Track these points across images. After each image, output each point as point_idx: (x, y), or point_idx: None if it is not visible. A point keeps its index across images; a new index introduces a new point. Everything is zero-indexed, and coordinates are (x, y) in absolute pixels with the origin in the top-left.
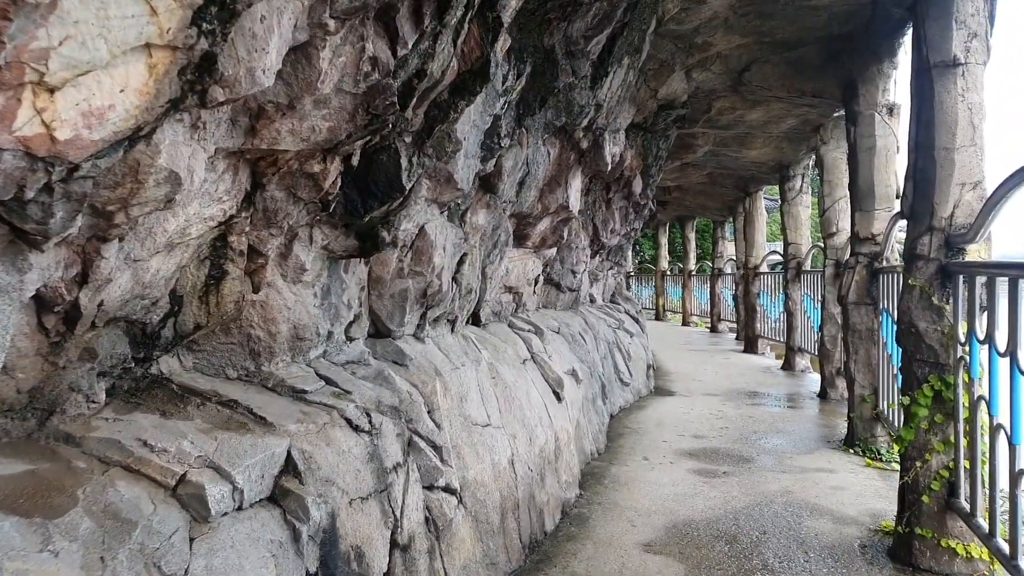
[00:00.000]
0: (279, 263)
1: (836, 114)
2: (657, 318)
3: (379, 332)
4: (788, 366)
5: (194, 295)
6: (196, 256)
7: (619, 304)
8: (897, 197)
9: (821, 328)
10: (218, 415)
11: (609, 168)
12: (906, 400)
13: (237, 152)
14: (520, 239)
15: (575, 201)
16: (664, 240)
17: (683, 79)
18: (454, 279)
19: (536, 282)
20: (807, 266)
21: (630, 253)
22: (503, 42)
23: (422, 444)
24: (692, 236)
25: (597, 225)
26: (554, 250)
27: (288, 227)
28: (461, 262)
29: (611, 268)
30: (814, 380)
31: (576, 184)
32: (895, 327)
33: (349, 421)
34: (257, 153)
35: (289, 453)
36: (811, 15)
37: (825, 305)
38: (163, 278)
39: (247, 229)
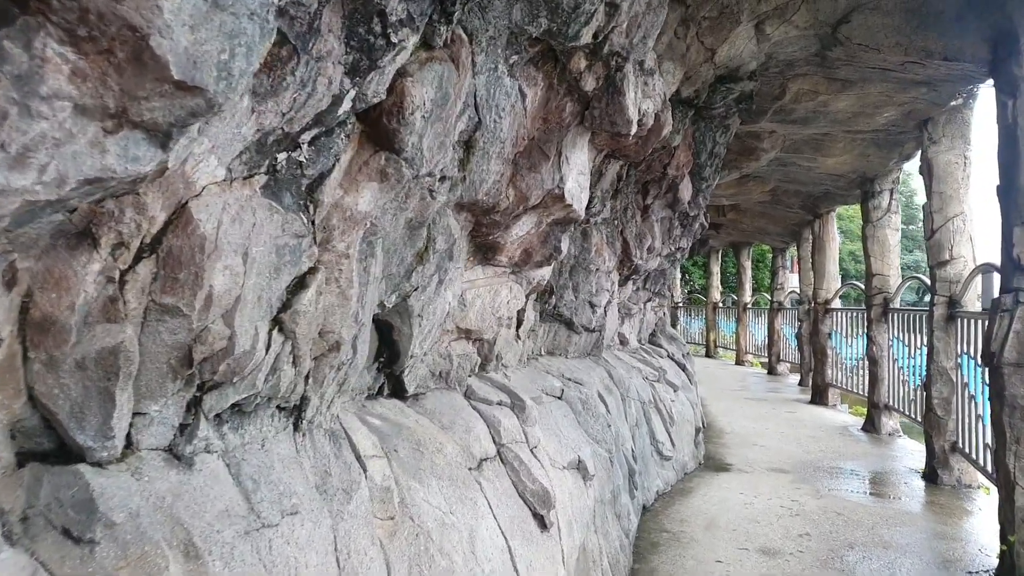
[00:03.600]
0: None
1: (953, 103)
2: (708, 355)
3: (59, 450)
4: (871, 427)
5: None
6: None
7: (661, 346)
8: None
9: (927, 387)
10: None
11: (632, 132)
12: None
13: None
14: (486, 251)
15: (577, 188)
16: (716, 268)
17: (751, 36)
18: (279, 327)
19: (519, 321)
20: (896, 303)
21: (677, 280)
22: None
23: None
24: (748, 265)
25: (628, 240)
26: (546, 271)
27: None
28: (301, 287)
29: (649, 299)
30: (908, 450)
31: (579, 158)
32: None
33: None
34: None
35: None
36: None
37: (934, 357)
38: None
39: None
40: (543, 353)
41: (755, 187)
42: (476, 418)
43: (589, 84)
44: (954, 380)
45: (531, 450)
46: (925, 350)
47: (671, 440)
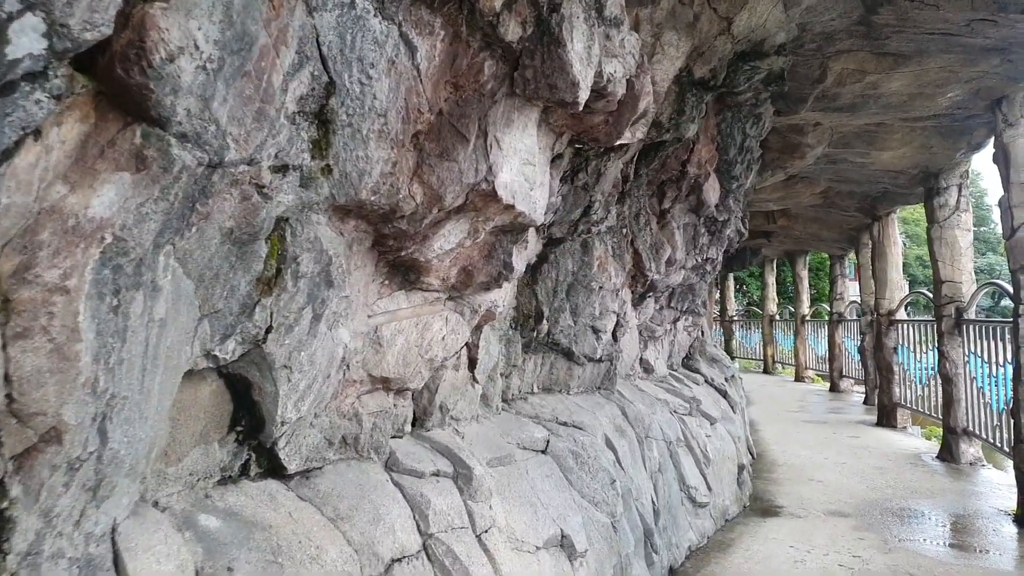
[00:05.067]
0: None
1: None
2: (765, 371)
3: None
4: (948, 455)
5: None
6: None
7: (698, 371)
8: None
9: (1015, 412)
10: None
11: (580, 99)
12: None
13: None
14: (406, 272)
15: (522, 183)
16: (771, 279)
17: (777, 1)
18: None
19: (471, 361)
20: (971, 312)
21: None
22: None
23: None
24: (804, 274)
25: (640, 251)
26: (497, 295)
27: None
28: None
29: (677, 319)
30: (994, 484)
31: (520, 142)
32: None
33: None
34: None
35: None
36: None
37: (1021, 375)
38: None
39: None
40: (536, 390)
41: (804, 189)
42: (394, 499)
43: (512, 32)
44: None
45: (479, 536)
46: (1011, 367)
47: (706, 483)
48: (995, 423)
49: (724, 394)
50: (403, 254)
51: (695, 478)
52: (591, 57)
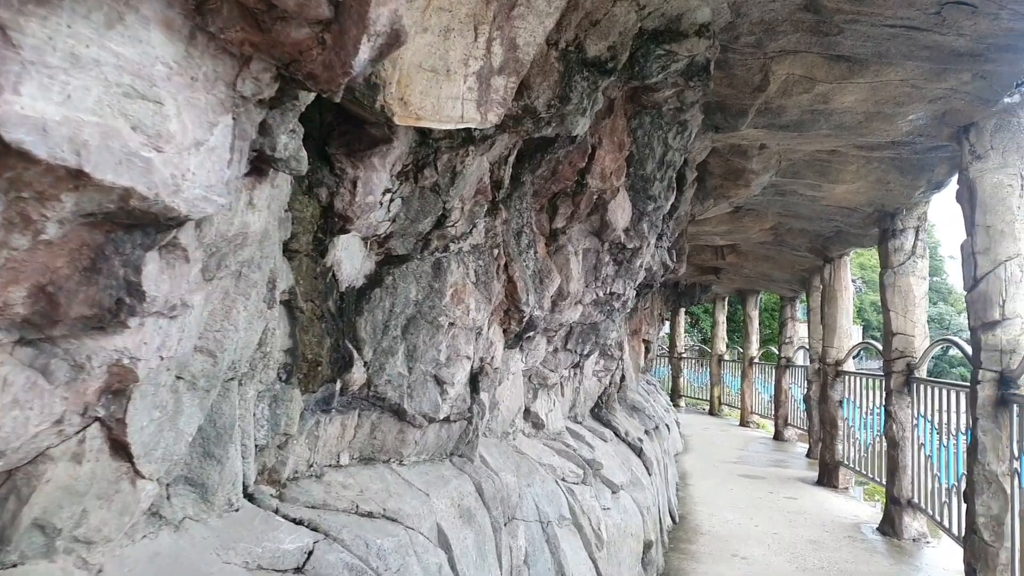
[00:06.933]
0: None
1: (1008, 98)
2: (712, 412)
3: None
4: (890, 528)
5: None
6: None
7: (610, 424)
8: None
9: (968, 496)
10: None
11: None
12: None
13: None
14: None
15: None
16: (722, 318)
17: None
18: None
19: (115, 444)
20: (922, 371)
21: (621, 335)
22: None
23: None
24: (755, 315)
25: (516, 278)
26: (130, 341)
27: None
28: None
29: (577, 364)
30: (940, 568)
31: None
32: None
33: None
34: None
35: None
36: None
37: (979, 456)
38: None
39: None
40: (349, 461)
41: (752, 224)
42: None
43: None
44: (1008, 492)
45: None
46: (963, 440)
47: (596, 571)
48: (943, 500)
49: (639, 452)
50: None
51: (581, 565)
52: None
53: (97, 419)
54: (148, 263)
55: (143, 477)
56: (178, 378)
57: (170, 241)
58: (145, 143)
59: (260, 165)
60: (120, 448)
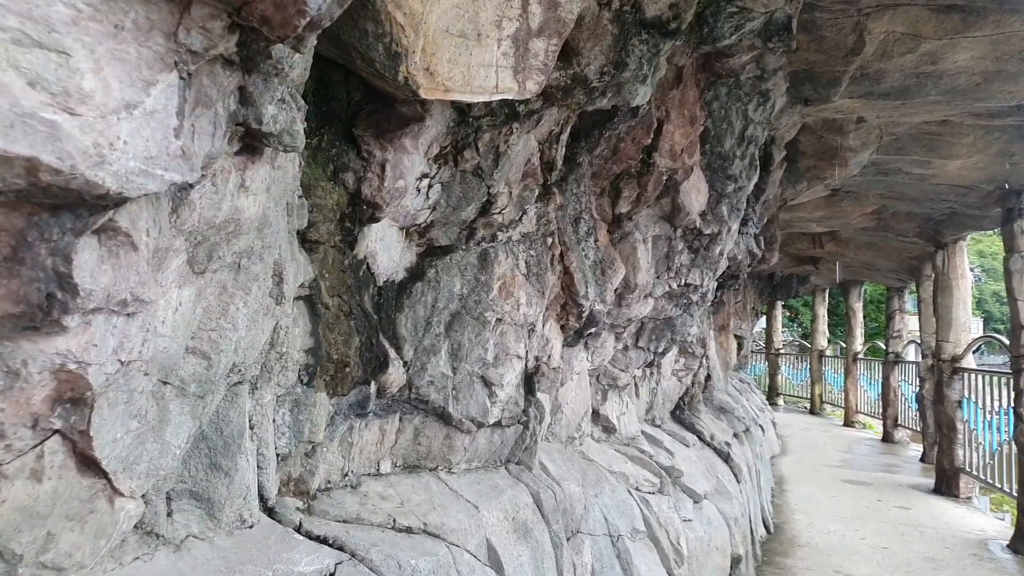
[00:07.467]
0: None
1: None
2: (812, 411)
3: None
4: None
5: None
6: None
7: (692, 427)
8: None
9: None
10: None
11: None
12: None
13: None
14: None
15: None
16: (822, 311)
17: None
18: None
19: (83, 459)
20: None
21: (703, 331)
22: None
23: None
24: (858, 307)
25: (573, 269)
26: (87, 341)
27: None
28: None
29: (652, 362)
30: None
31: None
32: None
33: None
34: None
35: None
36: None
37: None
38: None
39: None
40: (392, 469)
41: (852, 208)
42: None
43: None
44: None
45: None
46: None
47: None
48: None
49: (726, 458)
50: None
51: None
52: None
53: (56, 431)
54: (81, 251)
55: (122, 495)
56: (163, 383)
57: (105, 224)
58: (48, 103)
59: (251, 142)
60: (90, 463)
